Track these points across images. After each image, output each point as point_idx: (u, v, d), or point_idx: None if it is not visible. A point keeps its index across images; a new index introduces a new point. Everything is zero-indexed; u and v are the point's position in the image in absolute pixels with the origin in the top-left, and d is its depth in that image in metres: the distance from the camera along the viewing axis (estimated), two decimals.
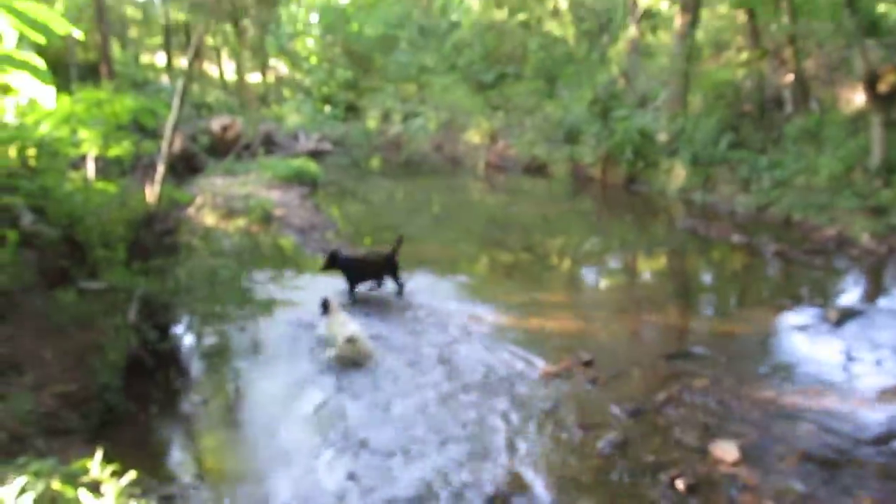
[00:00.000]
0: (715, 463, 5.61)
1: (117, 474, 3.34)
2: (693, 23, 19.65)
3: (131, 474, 3.36)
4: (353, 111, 32.58)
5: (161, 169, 7.80)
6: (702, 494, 5.24)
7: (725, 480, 5.40)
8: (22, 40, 2.09)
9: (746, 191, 16.26)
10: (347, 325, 7.69)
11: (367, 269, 9.87)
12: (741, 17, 20.07)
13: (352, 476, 5.46)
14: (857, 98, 16.77)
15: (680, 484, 5.31)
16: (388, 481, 5.40)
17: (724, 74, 19.96)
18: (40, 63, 2.07)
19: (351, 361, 7.50)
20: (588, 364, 7.52)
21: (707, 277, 12.35)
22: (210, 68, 40.10)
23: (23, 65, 2.03)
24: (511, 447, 5.94)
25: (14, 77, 2.03)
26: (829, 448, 5.83)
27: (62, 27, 2.12)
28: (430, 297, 9.84)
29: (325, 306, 8.27)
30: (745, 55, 19.64)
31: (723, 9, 21.97)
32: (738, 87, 19.30)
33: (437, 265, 11.72)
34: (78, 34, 2.35)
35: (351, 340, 7.51)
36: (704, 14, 21.10)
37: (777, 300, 10.17)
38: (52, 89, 2.08)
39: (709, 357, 7.87)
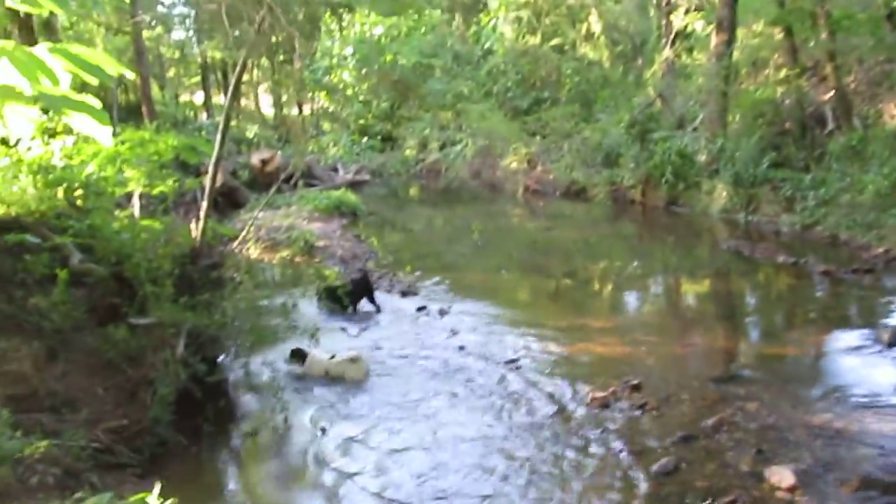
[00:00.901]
0: (771, 489, 5.48)
1: None
2: (729, 42, 19.49)
3: None
4: (389, 141, 32.78)
5: (205, 204, 7.89)
6: None
7: None
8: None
9: (791, 210, 16.04)
10: (342, 352, 8.08)
11: (361, 290, 10.74)
12: (778, 34, 19.88)
13: None
14: None
15: None
16: None
17: (763, 93, 19.76)
18: (96, 103, 2.11)
19: (361, 377, 7.92)
20: (636, 388, 7.43)
21: (753, 299, 12.17)
22: (248, 103, 40.70)
23: (80, 105, 2.07)
24: (562, 474, 5.87)
25: (73, 118, 2.07)
26: (888, 472, 5.67)
27: (114, 68, 2.16)
28: (474, 326, 9.81)
29: (302, 356, 8.09)
30: (783, 73, 19.43)
31: (759, 27, 21.75)
32: (777, 106, 19.10)
33: (480, 293, 11.70)
34: (130, 75, 2.39)
35: (355, 360, 7.96)
36: (740, 33, 20.90)
37: (826, 321, 9.99)
38: (109, 129, 2.11)
39: (758, 380, 7.74)
